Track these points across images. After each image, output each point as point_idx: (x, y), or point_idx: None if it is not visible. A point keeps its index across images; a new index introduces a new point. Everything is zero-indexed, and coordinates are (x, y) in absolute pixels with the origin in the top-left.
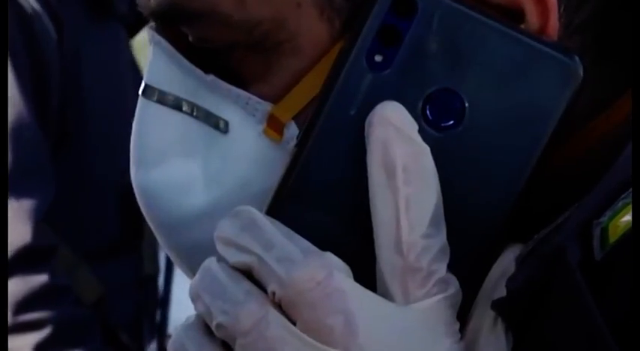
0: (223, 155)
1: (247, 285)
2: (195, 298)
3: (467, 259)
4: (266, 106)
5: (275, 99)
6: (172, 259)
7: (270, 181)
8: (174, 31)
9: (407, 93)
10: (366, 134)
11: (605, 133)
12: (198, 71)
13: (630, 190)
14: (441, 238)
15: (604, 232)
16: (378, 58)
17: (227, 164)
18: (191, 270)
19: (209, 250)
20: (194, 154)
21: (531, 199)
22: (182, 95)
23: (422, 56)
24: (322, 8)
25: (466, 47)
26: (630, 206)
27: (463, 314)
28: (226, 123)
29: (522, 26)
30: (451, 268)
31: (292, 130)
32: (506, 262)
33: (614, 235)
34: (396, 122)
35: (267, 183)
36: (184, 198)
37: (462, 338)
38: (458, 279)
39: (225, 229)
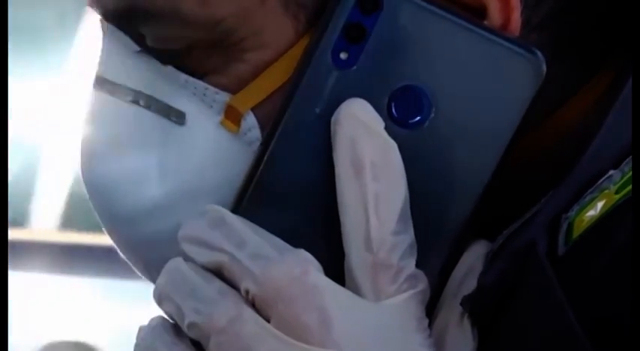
0: (180, 146)
1: (219, 284)
2: (162, 298)
3: (434, 255)
4: (224, 97)
5: (234, 90)
6: (124, 253)
7: (227, 171)
8: (130, 29)
9: (373, 90)
10: (332, 131)
11: (563, 129)
12: (156, 63)
13: (597, 183)
14: (410, 234)
15: (570, 226)
16: (343, 55)
17: (183, 155)
18: (147, 263)
19: (166, 242)
20: (150, 146)
21: (496, 195)
22: (138, 88)
23: (387, 53)
24: (287, 4)
25: (431, 44)
26: (595, 201)
27: (430, 310)
28: (183, 114)
29: (485, 23)
30: (418, 264)
31: (250, 121)
32: (472, 259)
33: (577, 230)
34: (363, 119)
35: (224, 174)
36: (140, 190)
37: (431, 334)
38: (425, 275)
39: (192, 228)
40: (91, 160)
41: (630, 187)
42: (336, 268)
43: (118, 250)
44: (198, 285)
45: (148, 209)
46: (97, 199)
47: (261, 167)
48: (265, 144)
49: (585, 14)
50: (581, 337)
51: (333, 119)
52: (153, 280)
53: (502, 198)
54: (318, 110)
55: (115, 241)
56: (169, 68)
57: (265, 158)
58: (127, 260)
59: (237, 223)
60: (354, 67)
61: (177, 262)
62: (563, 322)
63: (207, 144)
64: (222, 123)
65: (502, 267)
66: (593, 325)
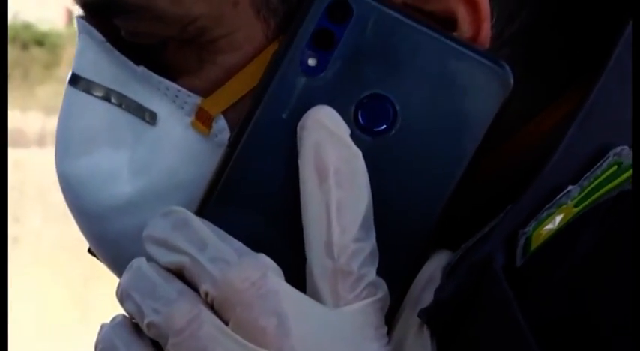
0: (151, 146)
1: (179, 284)
2: (124, 297)
3: (395, 264)
4: (196, 99)
5: (205, 93)
6: (94, 248)
7: (197, 173)
8: (106, 22)
9: (340, 97)
10: (298, 137)
11: (529, 144)
12: (129, 63)
13: (555, 199)
14: (371, 242)
15: (527, 240)
16: (311, 61)
17: (154, 155)
18: (115, 259)
19: (135, 239)
20: (122, 145)
21: (459, 206)
22: (111, 86)
23: (355, 61)
24: (258, 8)
25: (399, 53)
26: (553, 216)
27: (390, 318)
28: (155, 115)
29: (455, 34)
30: (379, 272)
31: (221, 124)
32: (432, 269)
33: (536, 242)
34: (328, 126)
35: (194, 174)
36: (111, 187)
37: (389, 342)
38: (386, 283)
39: (155, 228)
40: (63, 155)
41: (590, 200)
42: (297, 272)
43: (89, 244)
44: (158, 285)
45: (117, 206)
46: (68, 194)
47: (227, 170)
48: (232, 147)
49: (557, 32)
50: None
51: (299, 125)
52: (120, 276)
53: (466, 210)
54: (285, 115)
55: (85, 236)
56: (142, 68)
57: (231, 161)
58: (97, 254)
59: (200, 225)
60: (322, 74)
61: (140, 262)
62: (517, 336)
63: (178, 144)
64: (192, 124)
65: (459, 281)
66: (549, 336)
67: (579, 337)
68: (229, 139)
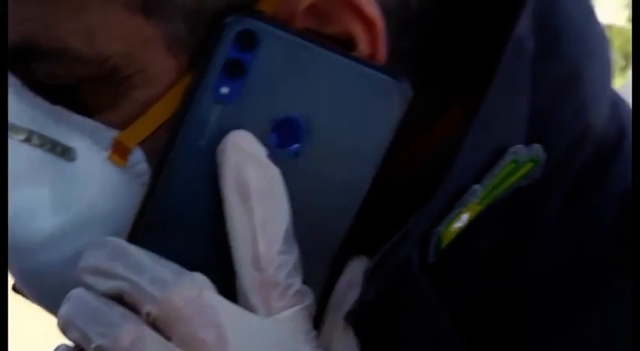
0: (70, 182)
1: (121, 309)
2: (67, 326)
3: (317, 272)
4: (112, 133)
5: (122, 127)
6: (21, 283)
7: (116, 204)
8: (21, 66)
9: (255, 121)
10: (218, 161)
11: (429, 150)
12: (46, 104)
13: (462, 198)
14: (294, 254)
15: (439, 239)
16: (224, 90)
17: (74, 190)
18: (40, 293)
19: (59, 272)
20: (42, 183)
21: (369, 213)
22: (31, 127)
23: (266, 86)
24: (169, 43)
25: (305, 76)
26: (461, 214)
27: (316, 323)
28: (73, 151)
29: (354, 54)
30: (305, 281)
31: (137, 155)
32: (351, 274)
33: (446, 239)
34: (246, 148)
35: (113, 206)
36: (33, 223)
37: (318, 345)
38: (311, 290)
39: (92, 259)
40: None
41: (491, 197)
42: (229, 289)
43: (15, 280)
44: (101, 311)
45: (40, 241)
46: None
47: (151, 199)
48: (155, 177)
49: (444, 44)
50: (455, 339)
51: (218, 149)
52: (47, 308)
53: (379, 216)
54: (203, 143)
55: (12, 272)
56: (59, 108)
57: (156, 191)
58: (23, 289)
59: (135, 252)
60: (236, 101)
61: (79, 292)
62: (439, 329)
63: (96, 178)
64: (110, 158)
65: (380, 284)
66: (463, 326)
67: (489, 325)
68: (150, 169)
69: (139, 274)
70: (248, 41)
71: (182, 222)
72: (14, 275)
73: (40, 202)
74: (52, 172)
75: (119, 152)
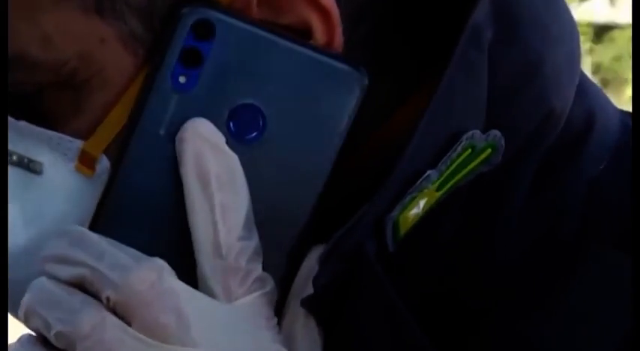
0: (39, 195)
1: (82, 295)
2: (28, 314)
3: (277, 261)
4: (77, 144)
5: (86, 135)
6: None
7: (86, 214)
8: None
9: (212, 109)
10: (177, 150)
11: (389, 139)
12: (10, 119)
13: (416, 184)
14: (255, 240)
15: (395, 225)
16: (182, 79)
17: (43, 203)
18: (14, 303)
19: (27, 286)
20: (12, 198)
21: (330, 202)
22: None
23: (223, 75)
24: (125, 41)
25: (262, 65)
26: (417, 200)
27: (278, 312)
28: (39, 164)
29: (311, 42)
30: (265, 267)
31: (104, 164)
32: (312, 263)
33: (404, 227)
34: (205, 136)
35: (84, 216)
36: None
37: (280, 332)
38: (272, 278)
39: (52, 248)
40: None
41: (451, 184)
42: (190, 276)
43: None
44: (61, 298)
45: (13, 255)
46: None
47: (113, 189)
48: (115, 167)
49: (401, 32)
50: (411, 325)
51: (177, 137)
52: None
53: (339, 204)
54: (162, 131)
55: None
56: (23, 123)
57: (116, 180)
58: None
59: (96, 238)
60: (194, 90)
61: (40, 281)
62: (395, 315)
63: (65, 190)
64: (76, 168)
65: (333, 269)
66: (424, 313)
67: (452, 314)
68: (112, 159)
69: (99, 259)
70: (204, 31)
71: (143, 211)
72: None
73: (11, 217)
74: (21, 186)
75: (85, 162)
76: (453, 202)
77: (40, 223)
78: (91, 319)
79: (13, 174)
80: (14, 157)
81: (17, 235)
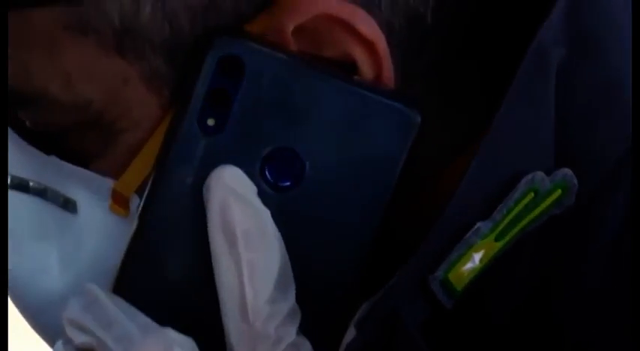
0: (75, 235)
1: None
2: None
3: (320, 321)
4: (109, 183)
5: (117, 174)
6: (44, 340)
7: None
8: (12, 114)
9: (243, 155)
10: (204, 200)
11: (446, 189)
12: (40, 153)
13: (464, 238)
14: (289, 301)
15: (444, 284)
16: (210, 122)
17: (79, 244)
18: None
19: None
20: (48, 237)
21: (382, 256)
22: (28, 176)
23: (255, 116)
24: (149, 80)
25: (300, 103)
26: (469, 254)
27: None
28: (74, 203)
29: (356, 77)
30: (305, 330)
31: (137, 203)
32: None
33: (460, 284)
34: (233, 186)
35: (120, 257)
36: (41, 282)
37: None
38: (312, 340)
39: (70, 309)
40: None
41: (514, 232)
42: (218, 339)
43: None
44: None
45: (52, 300)
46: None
47: (137, 241)
48: (141, 217)
49: (467, 61)
50: None
51: (204, 187)
52: None
53: (390, 259)
54: (190, 180)
55: (32, 328)
56: (53, 158)
57: (141, 230)
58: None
59: (107, 304)
60: (223, 133)
61: (57, 346)
62: None
63: (100, 230)
64: (111, 208)
65: (366, 338)
66: None
67: None
68: (139, 209)
69: (107, 329)
70: (233, 67)
71: (168, 266)
72: (36, 331)
73: (47, 258)
74: (56, 225)
75: (119, 202)
76: (521, 250)
77: (76, 266)
78: None
79: (47, 211)
80: (49, 192)
81: (52, 279)
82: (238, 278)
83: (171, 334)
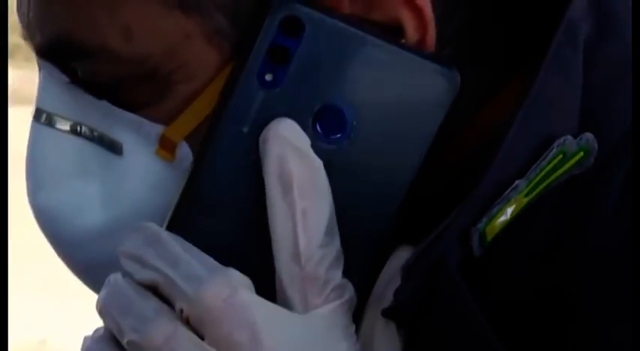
0: (119, 176)
1: (155, 302)
2: (103, 313)
3: (359, 265)
4: (158, 129)
5: (167, 122)
6: (74, 274)
7: (164, 200)
8: (63, 62)
9: (298, 109)
10: (260, 150)
11: (479, 135)
12: (91, 97)
13: (504, 194)
14: (336, 245)
15: (482, 235)
16: (268, 76)
17: (122, 185)
18: (91, 285)
19: (105, 267)
20: (90, 176)
21: (416, 203)
22: (76, 118)
23: (311, 73)
24: (210, 36)
25: (350, 63)
26: (504, 209)
27: (356, 317)
28: (120, 145)
29: (403, 40)
30: (345, 274)
31: (184, 150)
32: (394, 267)
33: (491, 234)
34: (289, 138)
35: (161, 201)
36: (81, 218)
37: (358, 340)
38: (352, 282)
39: (129, 244)
40: (35, 189)
41: (540, 188)
42: (268, 281)
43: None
44: (135, 303)
45: (90, 236)
46: (43, 226)
47: (193, 185)
48: (197, 163)
49: (496, 24)
50: (491, 340)
51: (261, 138)
52: None
53: (424, 205)
54: (246, 129)
55: (64, 263)
56: (104, 102)
57: (197, 176)
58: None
59: (171, 241)
60: (280, 88)
61: (117, 278)
62: (476, 331)
63: (144, 173)
64: (157, 153)
65: (414, 284)
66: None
67: (547, 310)
68: (194, 155)
69: (173, 267)
70: (293, 27)
71: (223, 210)
72: (68, 267)
73: (88, 196)
74: (100, 165)
75: (166, 147)
76: (542, 206)
77: (119, 206)
78: (164, 330)
79: (92, 151)
80: (95, 134)
81: (94, 214)
82: (292, 224)
83: (236, 274)
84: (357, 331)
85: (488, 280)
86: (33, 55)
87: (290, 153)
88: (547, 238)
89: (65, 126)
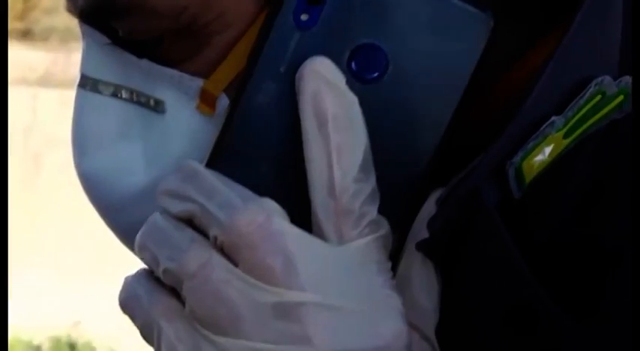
0: (161, 134)
1: (190, 232)
2: (141, 248)
3: (395, 203)
4: (198, 82)
5: (206, 75)
6: (119, 238)
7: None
8: (104, 24)
9: (333, 48)
10: (296, 87)
11: (518, 83)
12: (132, 57)
13: (540, 129)
14: (371, 182)
15: (518, 171)
16: (304, 16)
17: (165, 143)
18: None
19: None
20: (133, 137)
21: (453, 146)
22: (118, 82)
23: (345, 13)
24: None
25: (386, 4)
26: (541, 146)
27: (395, 256)
28: (162, 103)
29: None
30: (381, 211)
31: (224, 103)
32: (430, 206)
33: (529, 175)
34: (325, 75)
35: (204, 156)
36: (126, 179)
37: (394, 277)
38: (388, 222)
39: (167, 182)
40: (80, 154)
41: (580, 130)
42: (303, 215)
43: (115, 235)
44: (171, 234)
45: (134, 197)
46: (88, 191)
47: (231, 124)
48: (234, 103)
49: None
50: (528, 276)
51: (297, 76)
52: None
53: (461, 149)
54: (282, 69)
55: (109, 227)
56: (145, 61)
57: (235, 115)
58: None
59: (208, 175)
60: (315, 28)
61: (154, 215)
62: (510, 263)
63: (187, 129)
64: (197, 107)
65: (448, 214)
66: (552, 260)
67: (587, 257)
68: (232, 95)
69: (209, 197)
70: None
71: (260, 149)
72: (112, 230)
73: (133, 157)
74: (142, 125)
75: (206, 101)
76: (583, 150)
77: (162, 163)
78: (198, 258)
79: (135, 112)
80: (135, 95)
81: (138, 174)
82: (327, 157)
83: (270, 202)
84: (394, 270)
85: (527, 223)
86: (65, 38)
87: (325, 88)
88: (589, 183)
89: (108, 90)
